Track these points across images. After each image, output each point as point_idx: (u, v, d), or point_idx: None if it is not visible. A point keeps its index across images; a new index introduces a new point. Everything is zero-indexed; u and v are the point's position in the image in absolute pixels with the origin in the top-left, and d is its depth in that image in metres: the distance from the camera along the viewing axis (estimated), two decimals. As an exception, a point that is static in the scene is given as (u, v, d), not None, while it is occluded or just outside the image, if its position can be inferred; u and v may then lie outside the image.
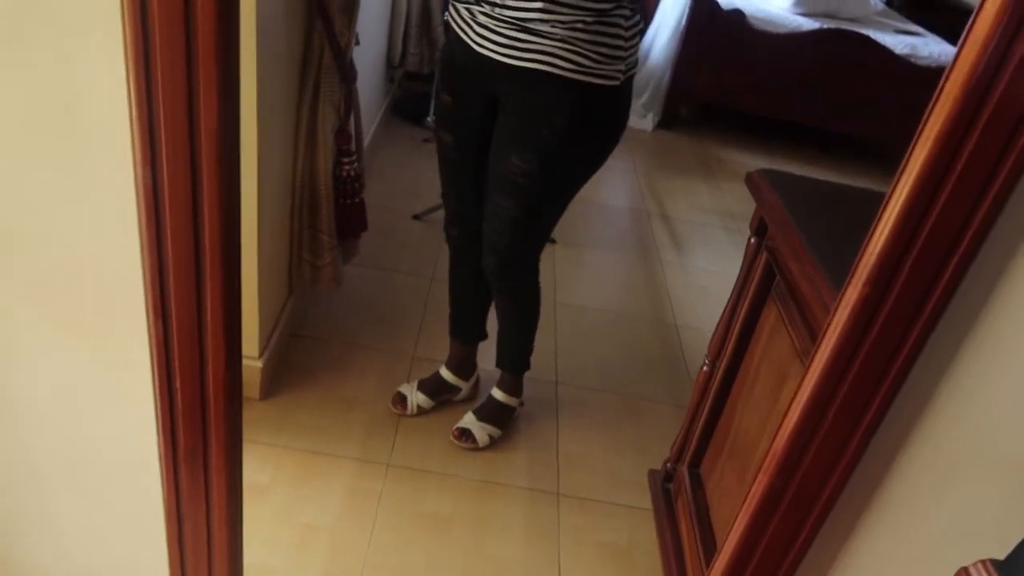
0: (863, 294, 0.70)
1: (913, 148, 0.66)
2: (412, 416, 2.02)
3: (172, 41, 0.58)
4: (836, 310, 0.73)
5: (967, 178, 0.67)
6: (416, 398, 2.03)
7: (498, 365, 2.01)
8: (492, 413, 2.00)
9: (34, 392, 0.88)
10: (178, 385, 0.76)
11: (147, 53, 0.60)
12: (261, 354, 1.94)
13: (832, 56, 4.01)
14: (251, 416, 1.94)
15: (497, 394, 2.02)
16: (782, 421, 0.78)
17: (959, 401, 0.79)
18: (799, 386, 0.78)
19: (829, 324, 0.74)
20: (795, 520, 0.81)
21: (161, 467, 0.84)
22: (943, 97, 0.66)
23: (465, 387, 2.07)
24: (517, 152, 1.54)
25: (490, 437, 1.97)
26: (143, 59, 0.59)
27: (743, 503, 0.84)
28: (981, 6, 0.61)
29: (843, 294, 0.72)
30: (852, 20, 4.25)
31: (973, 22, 0.62)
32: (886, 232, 0.68)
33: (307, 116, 1.91)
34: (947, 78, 0.66)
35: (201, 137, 0.61)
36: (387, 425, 1.99)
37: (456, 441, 1.95)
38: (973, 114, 0.63)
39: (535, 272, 1.83)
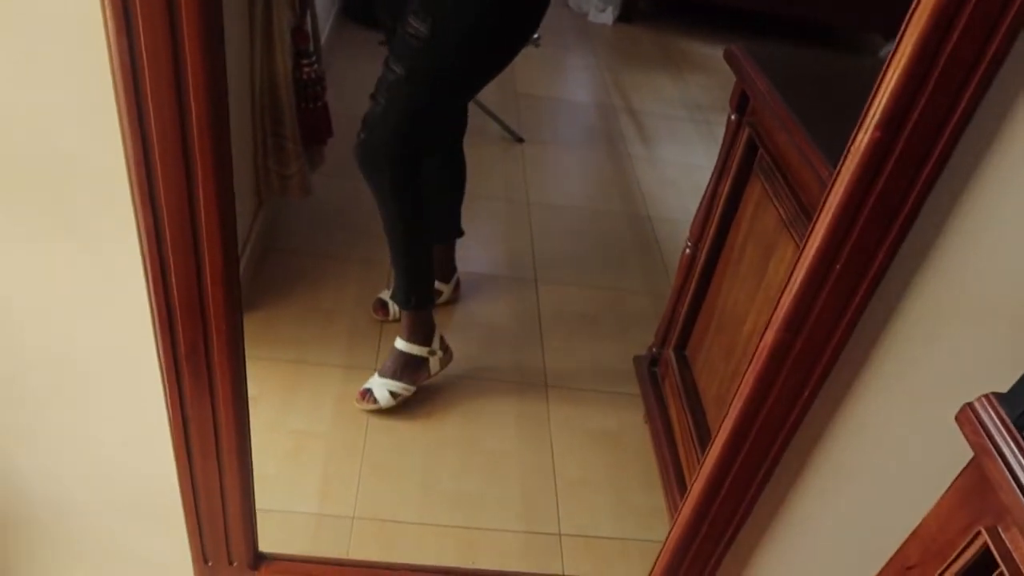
0: (874, 138, 0.69)
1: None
2: (395, 321, 2.01)
3: None
4: (845, 158, 0.72)
5: (978, 15, 0.66)
6: None
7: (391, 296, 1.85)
8: (391, 366, 1.77)
9: (12, 292, 0.83)
10: (173, 278, 0.73)
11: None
12: (236, 268, 1.89)
13: (792, -63, 3.91)
14: (231, 331, 1.91)
15: (398, 343, 1.78)
16: (790, 276, 0.79)
17: (960, 247, 0.80)
18: (805, 242, 0.78)
19: (837, 174, 0.73)
20: (802, 372, 0.83)
21: (161, 368, 0.82)
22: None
23: (446, 289, 2.05)
24: (414, 14, 1.42)
25: (391, 395, 1.74)
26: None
27: (751, 360, 0.85)
28: None
29: (853, 140, 0.71)
30: (810, -101, 4.11)
31: None
32: (899, 70, 0.66)
33: (261, 14, 1.80)
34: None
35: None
36: (370, 332, 1.98)
37: (358, 403, 1.75)
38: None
39: (405, 175, 1.58)
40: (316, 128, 2.06)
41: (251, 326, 1.97)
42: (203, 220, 0.69)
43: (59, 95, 0.70)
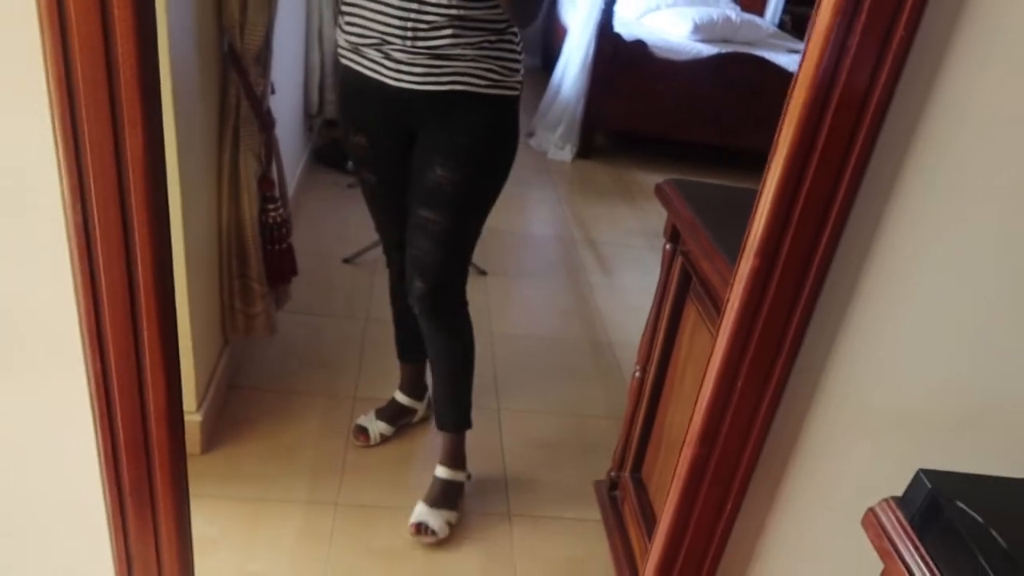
0: (754, 265, 0.77)
1: (780, 130, 0.75)
2: (375, 446, 2.04)
3: (95, 89, 0.61)
4: (732, 285, 0.80)
5: (827, 154, 0.76)
6: (377, 427, 2.06)
7: (439, 426, 1.89)
8: (441, 496, 1.86)
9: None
10: (119, 420, 0.77)
11: (72, 103, 0.63)
12: (199, 407, 1.92)
13: (731, 78, 4.25)
14: (193, 470, 1.86)
15: (441, 472, 1.88)
16: (697, 394, 0.85)
17: (848, 361, 0.87)
18: (708, 360, 0.84)
19: (727, 300, 0.81)
20: (721, 486, 0.87)
21: (106, 506, 0.85)
22: (799, 84, 0.74)
23: (420, 407, 2.14)
24: (442, 163, 1.58)
25: (448, 524, 1.82)
26: (68, 109, 0.62)
27: (671, 478, 0.89)
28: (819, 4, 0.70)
29: (736, 269, 0.79)
30: (747, 43, 4.52)
31: (815, 17, 0.71)
32: (767, 205, 0.75)
33: (228, 165, 1.93)
34: (800, 67, 0.75)
35: (128, 169, 0.64)
36: (332, 466, 1.99)
37: (415, 537, 1.79)
38: (825, 97, 0.71)
39: (465, 304, 1.78)
40: (282, 268, 2.15)
41: (214, 465, 1.98)
42: (148, 367, 0.74)
43: (18, 255, 0.77)
